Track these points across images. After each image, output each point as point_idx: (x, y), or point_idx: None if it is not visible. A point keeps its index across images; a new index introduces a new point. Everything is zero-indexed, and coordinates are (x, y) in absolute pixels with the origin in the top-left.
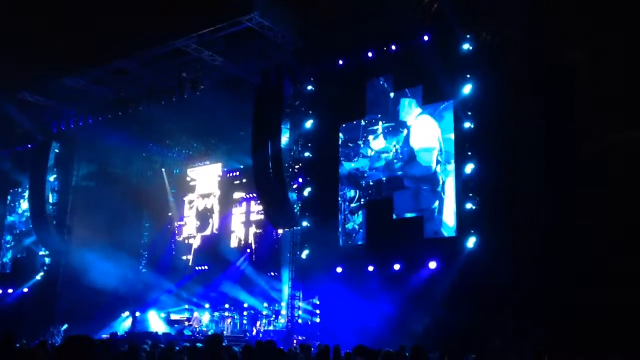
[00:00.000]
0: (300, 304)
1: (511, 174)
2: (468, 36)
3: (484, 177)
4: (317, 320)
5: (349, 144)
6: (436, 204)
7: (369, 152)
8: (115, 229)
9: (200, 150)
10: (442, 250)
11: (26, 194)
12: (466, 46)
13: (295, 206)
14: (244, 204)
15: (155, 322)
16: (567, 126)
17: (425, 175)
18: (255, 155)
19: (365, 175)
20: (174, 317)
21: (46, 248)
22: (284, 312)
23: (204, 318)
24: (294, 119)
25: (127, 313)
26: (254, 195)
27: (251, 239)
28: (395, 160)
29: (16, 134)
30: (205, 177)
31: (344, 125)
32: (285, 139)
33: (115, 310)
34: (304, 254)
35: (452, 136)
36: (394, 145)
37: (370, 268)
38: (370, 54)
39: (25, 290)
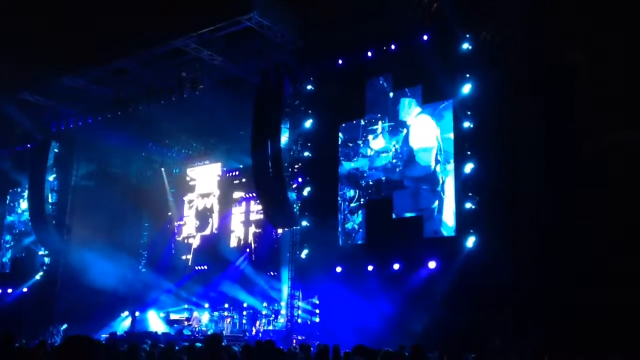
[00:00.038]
0: (300, 303)
1: (511, 174)
2: (467, 36)
3: (483, 177)
4: (317, 320)
5: (349, 144)
6: (436, 203)
7: (369, 152)
8: (114, 229)
9: (199, 150)
10: (442, 250)
11: (25, 194)
12: (466, 46)
13: (294, 206)
14: (244, 203)
15: (155, 322)
16: (567, 126)
17: (424, 174)
18: (255, 154)
19: (365, 175)
20: (173, 316)
21: (45, 248)
22: (283, 311)
23: (203, 318)
24: (293, 118)
25: (126, 313)
26: (254, 194)
27: (251, 239)
28: (394, 160)
29: (16, 134)
30: (205, 177)
31: (343, 124)
32: (284, 138)
33: (114, 310)
34: (304, 253)
35: (451, 136)
36: (394, 145)
37: (370, 268)
38: (369, 54)
39: (25, 290)
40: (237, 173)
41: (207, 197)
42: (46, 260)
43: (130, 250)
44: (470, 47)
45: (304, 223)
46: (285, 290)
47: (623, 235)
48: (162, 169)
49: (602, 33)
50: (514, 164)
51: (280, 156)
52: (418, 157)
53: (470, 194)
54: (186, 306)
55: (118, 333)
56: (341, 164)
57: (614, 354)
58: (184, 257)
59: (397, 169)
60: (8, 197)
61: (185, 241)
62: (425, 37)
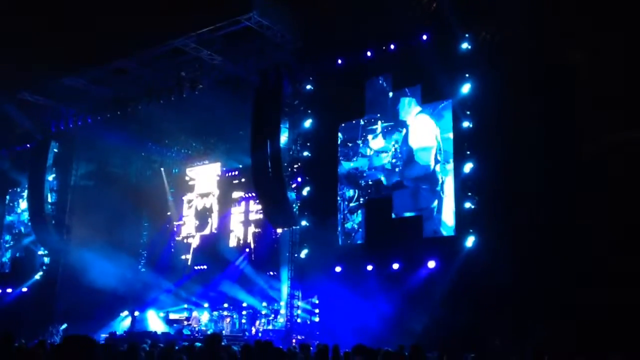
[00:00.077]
0: (299, 303)
1: (510, 174)
2: (467, 35)
3: (483, 177)
4: (316, 319)
5: (348, 144)
6: (435, 203)
7: (368, 152)
8: (114, 229)
9: (199, 150)
10: (441, 250)
11: (25, 194)
12: (465, 45)
13: (294, 205)
14: (243, 203)
15: (155, 322)
16: (567, 126)
17: (424, 174)
18: (254, 154)
19: (365, 174)
20: (173, 316)
21: (45, 248)
22: (283, 311)
23: (203, 317)
24: (293, 118)
25: (126, 312)
26: (253, 194)
27: (250, 239)
28: (394, 160)
29: (15, 134)
30: (204, 177)
31: (343, 124)
32: (284, 138)
33: (114, 310)
34: (303, 253)
35: (450, 135)
36: (393, 145)
37: (370, 267)
38: (369, 54)
39: (24, 289)
40: (236, 173)
41: (206, 197)
42: (46, 260)
43: (129, 250)
44: (469, 47)
45: (304, 223)
46: (285, 290)
47: (623, 235)
48: (162, 169)
49: (602, 33)
50: (514, 164)
51: (280, 156)
52: (417, 156)
53: (469, 194)
54: (186, 306)
55: (118, 333)
56: (340, 163)
57: (614, 354)
58: (183, 257)
59: (397, 169)
60: (7, 196)
61: (185, 241)
62: (424, 37)
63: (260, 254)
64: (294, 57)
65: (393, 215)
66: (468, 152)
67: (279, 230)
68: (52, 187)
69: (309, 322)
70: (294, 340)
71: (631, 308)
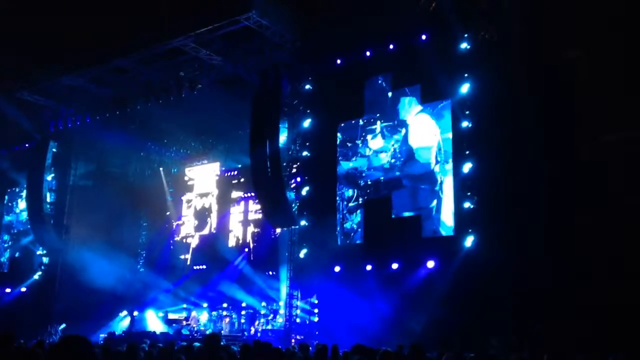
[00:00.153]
0: (299, 303)
1: (510, 173)
2: (466, 35)
3: (482, 176)
4: (315, 319)
5: (347, 144)
6: (434, 203)
7: (367, 152)
8: (113, 229)
9: (198, 150)
10: (441, 250)
11: (24, 194)
12: (464, 45)
13: (293, 205)
14: (242, 203)
15: (154, 322)
16: (566, 126)
17: (423, 173)
18: (254, 154)
19: (364, 174)
20: (172, 316)
21: (44, 247)
22: (282, 311)
23: (202, 317)
24: (292, 118)
25: (125, 312)
26: (252, 194)
27: (249, 238)
28: (393, 160)
29: (14, 133)
30: (204, 177)
31: (342, 124)
32: (283, 138)
33: (113, 310)
34: (302, 253)
35: (450, 135)
36: (392, 145)
37: (369, 267)
38: (368, 53)
39: (23, 289)
40: (235, 173)
41: (205, 197)
42: (44, 260)
43: (128, 249)
44: (469, 47)
45: (303, 222)
46: (284, 289)
47: (623, 236)
48: (161, 169)
49: (602, 33)
50: (513, 164)
51: (279, 156)
52: (417, 155)
53: (469, 194)
54: (185, 306)
55: (116, 333)
56: (340, 163)
57: (614, 354)
58: (182, 257)
59: (396, 169)
60: (6, 196)
61: (184, 241)
62: (424, 37)
63: (260, 254)
64: (293, 56)
65: (392, 215)
66: (467, 152)
67: (278, 230)
68: (51, 187)
69: (308, 322)
70: (293, 340)
71: (631, 308)
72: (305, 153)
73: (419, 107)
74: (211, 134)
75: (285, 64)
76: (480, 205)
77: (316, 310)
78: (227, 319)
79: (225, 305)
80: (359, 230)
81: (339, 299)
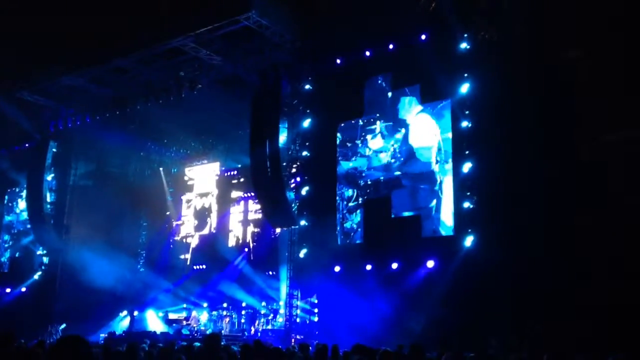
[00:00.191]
0: (299, 303)
1: (509, 173)
2: (466, 35)
3: (482, 176)
4: (315, 319)
5: (347, 144)
6: (434, 202)
7: (367, 152)
8: (113, 228)
9: (198, 150)
10: (440, 249)
11: (24, 194)
12: (464, 45)
13: (293, 205)
14: (242, 203)
15: (154, 322)
16: (566, 126)
17: (423, 172)
18: (253, 154)
19: (364, 174)
20: (172, 316)
21: (44, 247)
22: (282, 311)
23: (202, 317)
24: (291, 118)
25: (125, 312)
26: (252, 194)
27: (249, 238)
28: (393, 160)
29: (14, 133)
30: (203, 176)
31: (342, 124)
32: (283, 138)
33: (113, 310)
34: (302, 253)
35: (450, 135)
36: (392, 145)
37: (369, 267)
38: (368, 53)
39: (23, 289)
40: (235, 172)
41: (205, 197)
42: (45, 259)
43: (128, 249)
44: (468, 47)
45: (303, 222)
46: (284, 289)
47: (623, 236)
48: (161, 169)
49: (602, 33)
50: (513, 164)
51: (279, 156)
52: (418, 153)
53: (468, 194)
54: (185, 306)
55: (117, 333)
56: (339, 163)
57: (614, 354)
58: (182, 257)
59: (396, 169)
60: (6, 196)
61: (184, 241)
62: (423, 37)
63: (259, 254)
64: (292, 56)
65: (392, 215)
66: (467, 152)
67: (278, 230)
68: (51, 187)
69: (308, 322)
70: (293, 340)
71: (631, 308)
72: (305, 153)
73: (419, 107)
74: (211, 134)
75: (285, 64)
76: (480, 205)
77: (316, 310)
78: (227, 319)
79: (225, 305)
80: (359, 230)
81: (339, 299)
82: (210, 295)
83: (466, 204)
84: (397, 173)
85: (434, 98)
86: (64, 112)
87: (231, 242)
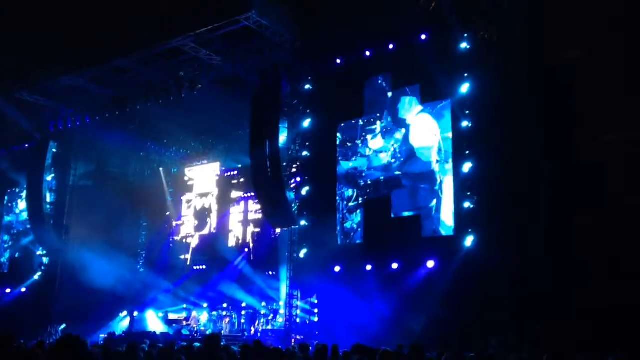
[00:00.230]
0: (299, 303)
1: (510, 173)
2: (466, 35)
3: (482, 176)
4: (315, 319)
5: (347, 144)
6: (434, 202)
7: (367, 152)
8: (113, 229)
9: (198, 150)
10: (441, 249)
11: (24, 194)
12: (464, 45)
13: (293, 205)
14: (242, 203)
15: (153, 322)
16: (566, 126)
17: (423, 172)
18: (253, 154)
19: (364, 174)
20: (172, 316)
21: (44, 248)
22: (282, 311)
23: (202, 317)
24: (292, 118)
25: (125, 313)
26: (252, 194)
27: (249, 238)
28: (393, 160)
29: (14, 134)
30: (203, 177)
31: (342, 124)
32: (283, 138)
33: (113, 310)
34: (302, 253)
35: (450, 135)
36: (392, 145)
37: (369, 267)
38: (368, 53)
39: (23, 290)
40: (235, 173)
41: (205, 197)
42: (44, 260)
43: (128, 250)
44: (468, 47)
45: (303, 222)
46: (284, 289)
47: (623, 236)
48: (161, 169)
49: (602, 33)
50: (513, 164)
51: (279, 156)
52: (419, 153)
53: (468, 194)
54: (185, 306)
55: (117, 333)
56: (339, 163)
57: (614, 354)
58: (182, 257)
59: (396, 169)
60: (6, 197)
61: (184, 241)
62: (423, 37)
63: (259, 254)
64: (292, 56)
65: (392, 215)
66: (467, 152)
67: (278, 230)
68: (51, 187)
69: (308, 322)
70: (293, 340)
71: (631, 308)
72: (305, 153)
73: (420, 107)
74: (211, 134)
75: (285, 64)
76: (480, 205)
77: (316, 310)
78: (227, 319)
79: (225, 305)
80: (359, 230)
81: (339, 299)
82: (210, 296)
83: (466, 204)
84: (397, 173)
85: (434, 98)
86: (63, 112)
87: (231, 242)
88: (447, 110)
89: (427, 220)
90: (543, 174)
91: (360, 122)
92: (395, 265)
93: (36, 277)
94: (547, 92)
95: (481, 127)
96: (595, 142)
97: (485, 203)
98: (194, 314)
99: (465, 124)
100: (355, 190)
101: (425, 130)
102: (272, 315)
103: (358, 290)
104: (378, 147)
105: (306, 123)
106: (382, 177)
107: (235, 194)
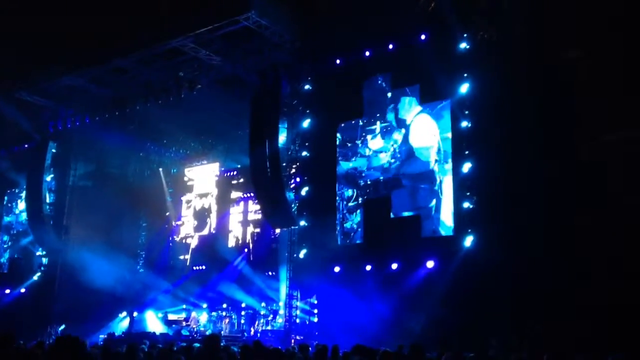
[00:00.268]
0: (298, 303)
1: (509, 173)
2: (465, 35)
3: (481, 176)
4: (315, 319)
5: (347, 144)
6: (433, 202)
7: (367, 152)
8: (112, 229)
9: (197, 150)
10: (440, 249)
11: (23, 194)
12: (464, 45)
13: (292, 205)
14: (242, 203)
15: (153, 322)
16: (566, 126)
17: (423, 172)
18: (253, 154)
19: (363, 174)
20: (171, 317)
21: (43, 248)
22: (281, 311)
23: (201, 318)
24: (291, 118)
25: (124, 313)
26: (252, 194)
27: (249, 239)
28: (393, 160)
29: (13, 134)
30: (203, 177)
31: (342, 124)
32: (282, 138)
33: (112, 311)
34: (302, 253)
35: (449, 135)
36: (392, 145)
37: (368, 267)
38: (367, 53)
39: (23, 290)
40: (235, 173)
41: (205, 197)
42: (44, 260)
43: (128, 250)
44: (468, 47)
45: (302, 223)
46: (284, 290)
47: (623, 236)
48: (160, 169)
49: (602, 33)
50: (513, 164)
51: (278, 156)
52: (418, 153)
53: (468, 194)
54: (184, 306)
55: (116, 333)
56: (339, 163)
57: (613, 354)
58: (182, 257)
59: (395, 169)
60: (6, 197)
61: (183, 241)
62: (423, 37)
63: (259, 254)
64: (292, 57)
65: (392, 215)
66: (467, 152)
67: (278, 230)
68: (51, 188)
69: (307, 323)
70: (292, 341)
71: (631, 308)
72: (304, 153)
73: (419, 107)
74: (211, 134)
75: (284, 64)
76: (480, 205)
77: (316, 311)
78: (227, 320)
79: (224, 305)
80: (359, 230)
81: (339, 299)
82: (210, 296)
83: (466, 204)
84: (397, 173)
85: (433, 98)
86: (63, 112)
87: (231, 243)
88: (446, 111)
89: (426, 220)
90: (543, 174)
91: (360, 122)
92: (395, 266)
93: (36, 277)
94: (547, 92)
95: (481, 127)
96: (595, 142)
97: (484, 203)
98: (193, 314)
99: (464, 124)
100: (355, 191)
101: (425, 130)
102: (271, 316)
103: (358, 290)
104: (378, 147)
105: (306, 123)
106: (381, 177)
107: (234, 194)
